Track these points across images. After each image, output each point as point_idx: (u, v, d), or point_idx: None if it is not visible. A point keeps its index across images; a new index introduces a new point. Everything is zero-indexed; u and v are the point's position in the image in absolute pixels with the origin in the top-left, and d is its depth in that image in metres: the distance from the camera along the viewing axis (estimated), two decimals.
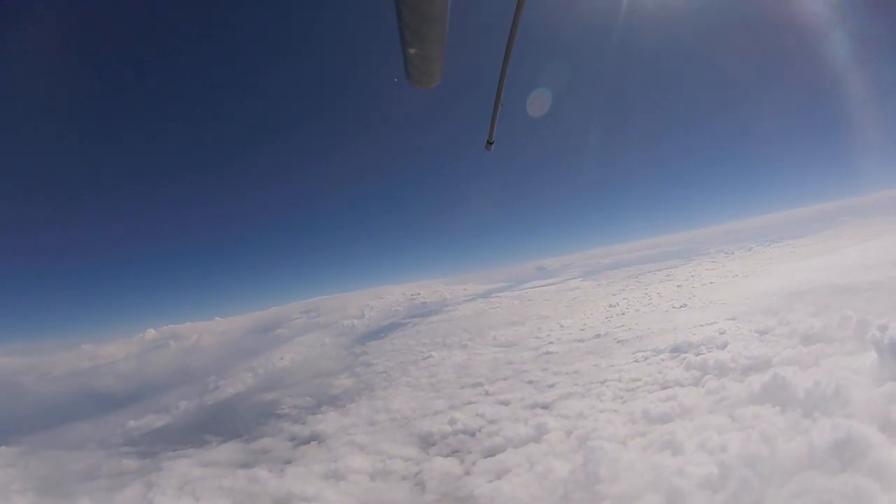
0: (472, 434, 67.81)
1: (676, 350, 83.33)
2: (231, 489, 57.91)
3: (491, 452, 60.16)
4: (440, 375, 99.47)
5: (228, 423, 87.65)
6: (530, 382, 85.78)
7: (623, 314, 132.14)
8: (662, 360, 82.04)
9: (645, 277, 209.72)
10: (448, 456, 62.28)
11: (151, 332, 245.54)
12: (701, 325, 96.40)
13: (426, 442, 67.58)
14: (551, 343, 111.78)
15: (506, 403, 76.77)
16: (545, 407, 72.04)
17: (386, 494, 54.76)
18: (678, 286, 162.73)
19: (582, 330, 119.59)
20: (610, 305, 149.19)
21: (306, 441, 73.23)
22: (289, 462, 66.32)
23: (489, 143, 6.11)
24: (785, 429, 49.19)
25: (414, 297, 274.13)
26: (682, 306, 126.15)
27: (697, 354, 77.34)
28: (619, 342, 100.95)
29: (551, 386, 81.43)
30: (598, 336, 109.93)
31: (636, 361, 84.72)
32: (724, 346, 77.81)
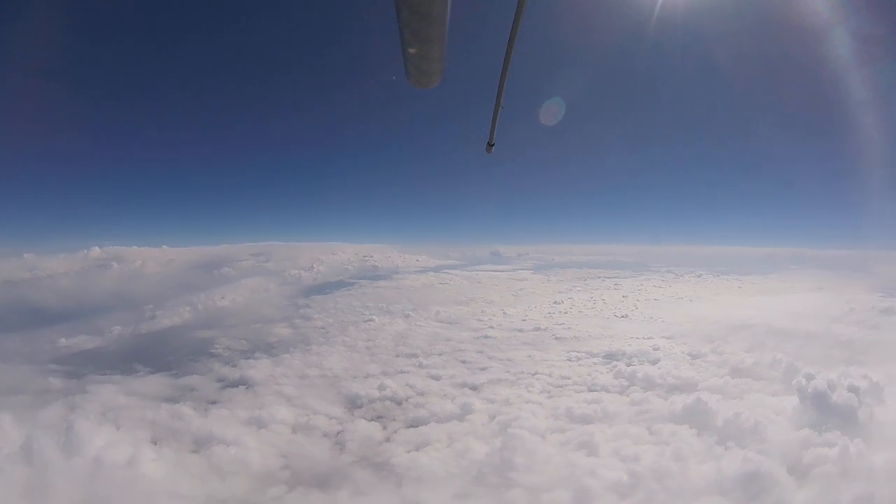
0: (399, 403, 68.40)
1: (610, 357, 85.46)
2: (153, 422, 56.86)
3: (414, 424, 60.79)
4: (378, 341, 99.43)
5: (159, 355, 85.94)
6: (464, 362, 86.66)
7: (566, 313, 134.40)
8: (594, 363, 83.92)
9: (594, 282, 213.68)
10: (372, 420, 62.52)
11: (96, 251, 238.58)
12: (638, 338, 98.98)
13: (353, 403, 67.66)
14: (492, 328, 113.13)
15: (437, 378, 77.43)
16: (474, 388, 72.99)
17: (305, 449, 54.63)
18: (624, 296, 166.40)
19: (523, 321, 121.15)
20: (555, 302, 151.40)
21: (234, 384, 72.45)
22: (214, 403, 65.53)
23: (489, 144, 6.24)
24: (698, 451, 51.25)
25: (366, 258, 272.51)
26: (623, 316, 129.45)
27: (629, 365, 79.32)
28: (556, 339, 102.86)
29: (484, 369, 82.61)
30: (537, 329, 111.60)
31: (569, 360, 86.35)
32: (655, 362, 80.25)
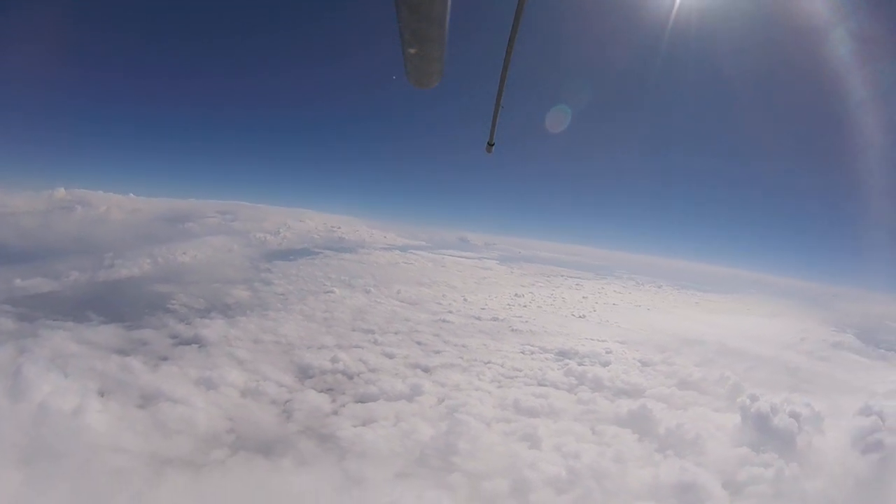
0: (351, 377, 68.56)
1: (562, 354, 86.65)
2: (102, 373, 56.02)
3: (363, 399, 61.25)
4: (336, 313, 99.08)
5: (114, 305, 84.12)
6: (419, 343, 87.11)
7: (525, 307, 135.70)
8: (547, 359, 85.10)
9: (556, 279, 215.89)
10: (322, 392, 62.71)
11: (61, 192, 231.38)
12: (592, 339, 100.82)
13: (304, 373, 67.72)
14: (450, 313, 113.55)
15: (390, 356, 77.85)
16: (426, 370, 73.76)
17: (252, 414, 54.67)
18: (584, 297, 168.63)
19: (483, 309, 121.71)
20: (516, 295, 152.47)
21: (187, 342, 71.78)
22: (165, 359, 64.65)
23: (490, 144, 6.34)
24: (638, 456, 52.67)
25: (334, 229, 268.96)
26: (581, 317, 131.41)
27: (580, 364, 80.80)
28: (513, 331, 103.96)
29: (438, 352, 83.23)
30: (495, 319, 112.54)
31: (522, 353, 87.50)
32: (606, 365, 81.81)
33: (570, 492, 45.41)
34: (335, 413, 57.51)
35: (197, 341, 72.18)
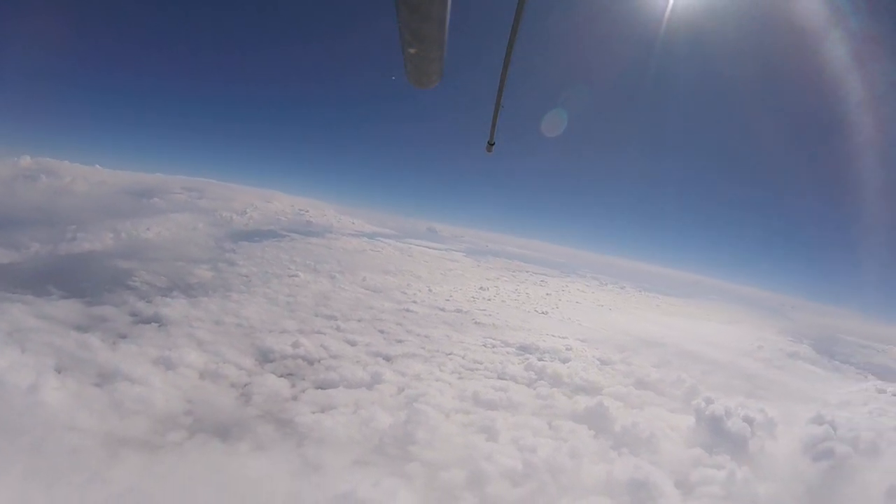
0: (312, 363, 68.37)
1: (523, 349, 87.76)
2: (60, 349, 54.93)
3: (323, 385, 61.12)
4: (299, 297, 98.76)
5: (75, 280, 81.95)
6: (382, 332, 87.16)
7: (489, 300, 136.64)
8: (508, 353, 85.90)
9: (521, 275, 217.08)
10: (282, 377, 62.44)
11: (27, 160, 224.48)
12: (553, 336, 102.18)
13: (265, 357, 67.24)
14: (415, 302, 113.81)
15: (352, 344, 77.73)
16: (388, 359, 73.80)
17: (210, 396, 54.18)
18: (547, 294, 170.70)
19: (447, 300, 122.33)
20: (481, 288, 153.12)
21: (147, 321, 70.72)
22: (124, 337, 63.60)
23: (490, 144, 6.35)
24: (593, 452, 53.52)
25: (302, 212, 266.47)
26: (543, 313, 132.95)
27: (540, 360, 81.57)
28: (476, 323, 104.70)
29: (400, 341, 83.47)
30: (459, 311, 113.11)
31: (484, 346, 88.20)
32: (566, 361, 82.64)
33: (526, 485, 46.07)
34: (294, 398, 57.36)
35: (157, 320, 71.14)
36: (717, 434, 58.91)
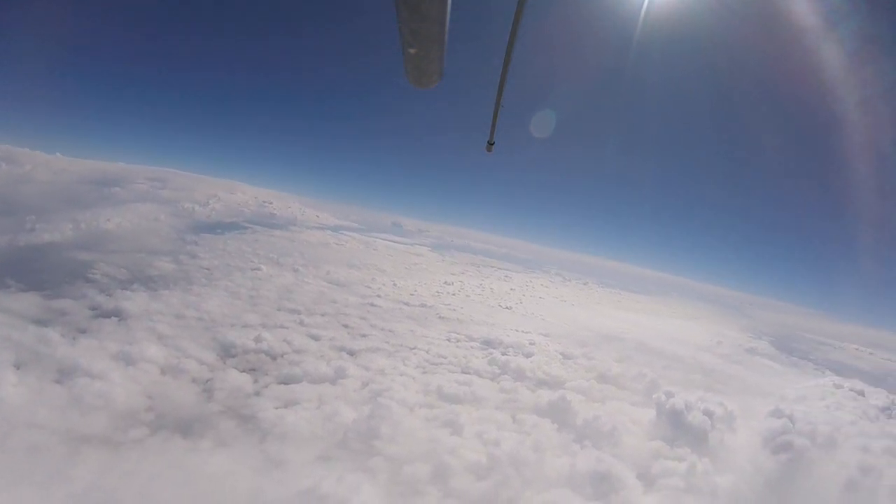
0: (275, 358, 67.89)
1: (487, 344, 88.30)
2: (18, 343, 53.65)
3: (286, 381, 60.70)
4: (262, 291, 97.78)
5: (34, 272, 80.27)
6: (346, 326, 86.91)
7: (454, 295, 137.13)
8: (472, 347, 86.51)
9: (486, 270, 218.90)
10: (244, 372, 61.77)
11: None
12: (517, 331, 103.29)
13: (226, 352, 66.49)
14: (379, 296, 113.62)
15: (316, 338, 77.16)
16: (351, 353, 73.56)
17: (171, 392, 53.52)
18: (511, 289, 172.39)
19: (411, 295, 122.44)
20: (445, 282, 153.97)
21: (107, 315, 69.02)
22: (83, 332, 62.21)
23: (490, 143, 6.34)
24: (556, 445, 54.33)
25: (265, 204, 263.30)
26: (507, 308, 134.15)
27: (503, 354, 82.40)
28: (440, 318, 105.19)
29: (364, 336, 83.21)
30: (423, 306, 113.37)
31: (448, 341, 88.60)
32: (529, 356, 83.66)
33: (490, 478, 46.46)
34: (257, 394, 56.82)
35: (117, 314, 69.59)
36: (678, 427, 60.20)
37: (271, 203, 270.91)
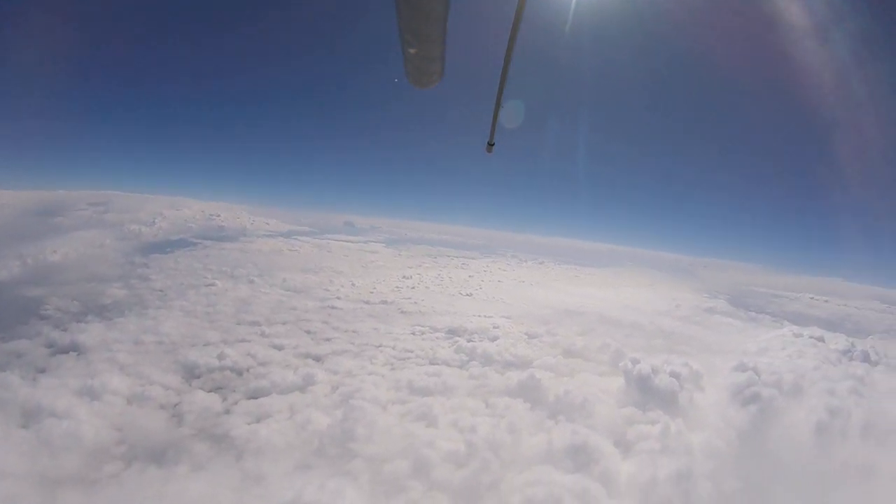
0: (240, 373, 67.37)
1: (452, 332, 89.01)
2: None
3: (255, 394, 60.33)
4: (219, 306, 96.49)
5: None
6: (308, 332, 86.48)
7: (413, 288, 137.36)
8: (437, 338, 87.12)
9: (443, 260, 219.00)
10: (211, 391, 61.24)
11: None
12: (479, 316, 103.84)
13: (191, 373, 65.71)
14: (338, 298, 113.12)
15: (279, 348, 76.78)
16: (317, 359, 73.49)
17: (141, 421, 52.55)
18: (470, 276, 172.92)
19: (371, 293, 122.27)
20: (403, 277, 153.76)
21: (65, 350, 67.30)
22: (43, 371, 60.41)
23: (490, 144, 6.28)
24: (531, 424, 55.34)
25: (213, 217, 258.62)
26: (467, 295, 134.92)
27: (469, 341, 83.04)
28: (402, 313, 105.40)
29: (328, 340, 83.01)
30: (384, 302, 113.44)
31: (413, 334, 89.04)
32: (494, 339, 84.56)
33: (470, 465, 47.08)
34: (227, 412, 56.36)
35: (75, 348, 67.79)
36: (647, 392, 61.79)
37: (219, 215, 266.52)
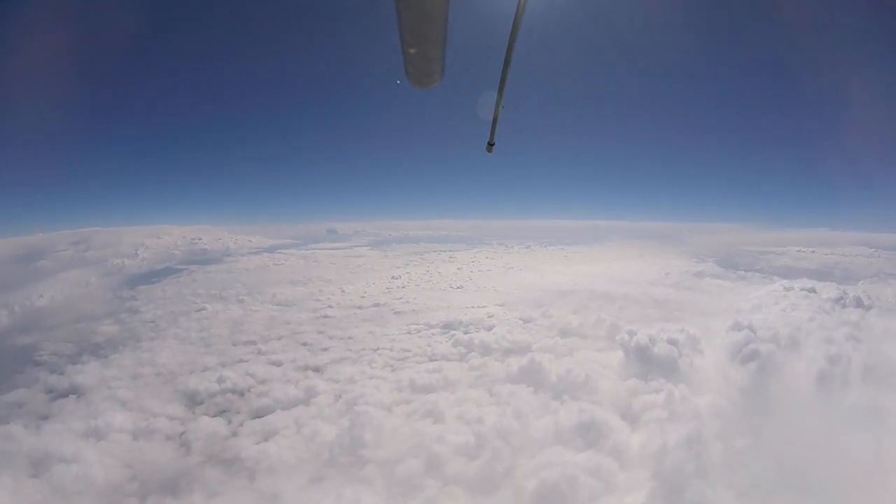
0: (242, 394, 67.24)
1: (447, 327, 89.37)
2: None
3: (259, 413, 60.22)
4: (212, 330, 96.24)
5: None
6: (305, 344, 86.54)
7: (404, 287, 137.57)
8: (433, 334, 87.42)
9: (429, 256, 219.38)
10: (215, 416, 61.11)
11: None
12: (472, 307, 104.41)
13: (193, 400, 65.52)
14: (330, 307, 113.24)
15: (278, 364, 76.73)
16: (317, 370, 73.51)
17: (149, 455, 52.25)
18: (458, 269, 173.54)
19: (362, 297, 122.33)
20: (392, 277, 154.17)
21: (65, 394, 66.72)
22: (45, 418, 59.69)
23: (490, 144, 6.31)
24: (536, 407, 55.51)
25: (194, 241, 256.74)
26: (458, 287, 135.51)
27: (466, 333, 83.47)
28: (395, 313, 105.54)
29: (325, 349, 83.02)
30: (376, 305, 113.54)
31: (409, 333, 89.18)
32: (490, 329, 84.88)
33: (481, 456, 47.32)
34: (234, 434, 56.35)
35: (74, 391, 67.27)
36: (647, 362, 62.53)
37: (200, 239, 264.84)
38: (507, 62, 4.62)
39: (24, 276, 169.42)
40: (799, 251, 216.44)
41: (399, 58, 4.00)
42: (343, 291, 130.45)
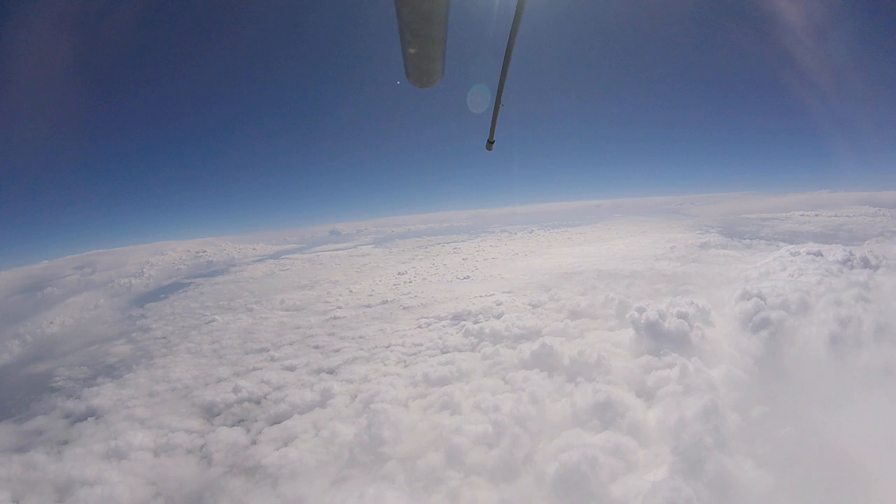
0: (258, 402, 67.51)
1: (457, 318, 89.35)
2: (7, 479, 51.83)
3: (277, 420, 60.54)
4: (224, 341, 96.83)
5: None
6: (317, 347, 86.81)
7: (410, 282, 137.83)
8: (444, 326, 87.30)
9: (434, 249, 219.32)
10: (234, 426, 61.38)
11: None
12: (480, 297, 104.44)
13: (210, 412, 65.90)
14: (339, 308, 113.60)
15: (292, 369, 77.09)
16: (331, 372, 73.77)
17: (172, 471, 52.64)
18: (463, 259, 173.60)
19: (370, 296, 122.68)
20: (399, 273, 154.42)
21: (83, 417, 67.20)
22: (65, 443, 60.10)
23: (490, 142, 6.30)
24: (552, 391, 55.54)
25: (199, 254, 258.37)
26: (465, 278, 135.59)
27: (475, 322, 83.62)
28: (404, 309, 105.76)
29: (337, 351, 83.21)
30: (385, 302, 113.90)
31: (419, 327, 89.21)
32: (500, 316, 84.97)
33: (501, 444, 47.51)
34: (254, 443, 56.62)
35: (92, 413, 67.89)
36: (659, 337, 62.40)
37: (205, 251, 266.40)
38: (506, 61, 4.63)
39: (32, 305, 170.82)
40: (802, 215, 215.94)
41: (399, 58, 3.95)
42: (350, 291, 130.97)
